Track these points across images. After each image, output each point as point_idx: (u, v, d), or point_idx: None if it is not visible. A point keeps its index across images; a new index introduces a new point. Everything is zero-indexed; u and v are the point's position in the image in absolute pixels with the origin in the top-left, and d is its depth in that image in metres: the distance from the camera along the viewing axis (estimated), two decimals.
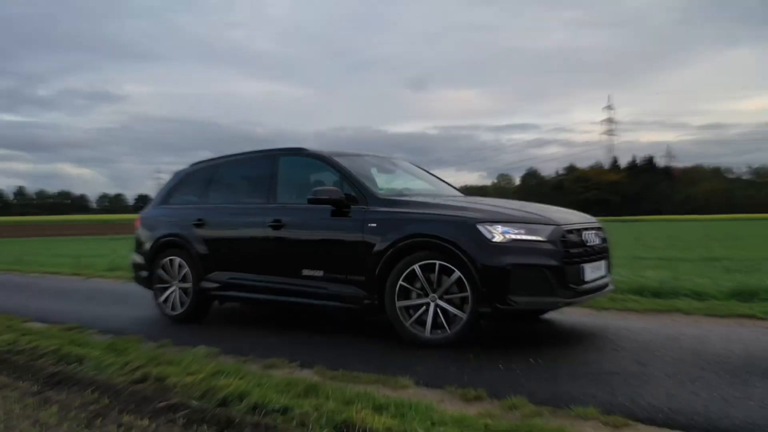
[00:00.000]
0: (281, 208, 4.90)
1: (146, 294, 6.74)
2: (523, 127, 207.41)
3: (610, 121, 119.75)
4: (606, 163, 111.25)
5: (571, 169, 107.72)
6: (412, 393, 3.12)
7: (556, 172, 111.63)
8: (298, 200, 4.90)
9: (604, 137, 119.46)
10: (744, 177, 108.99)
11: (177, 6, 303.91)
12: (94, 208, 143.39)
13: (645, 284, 6.38)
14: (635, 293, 6.14)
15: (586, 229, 4.30)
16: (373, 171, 5.24)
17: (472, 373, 3.43)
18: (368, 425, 2.58)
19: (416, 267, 4.06)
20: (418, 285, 4.09)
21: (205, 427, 2.76)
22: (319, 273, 4.55)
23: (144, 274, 5.71)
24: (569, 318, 5.09)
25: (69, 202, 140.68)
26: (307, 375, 3.50)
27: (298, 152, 5.12)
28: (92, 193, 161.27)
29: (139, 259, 5.83)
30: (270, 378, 3.37)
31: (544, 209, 4.54)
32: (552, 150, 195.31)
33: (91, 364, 3.93)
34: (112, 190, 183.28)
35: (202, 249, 5.24)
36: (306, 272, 4.62)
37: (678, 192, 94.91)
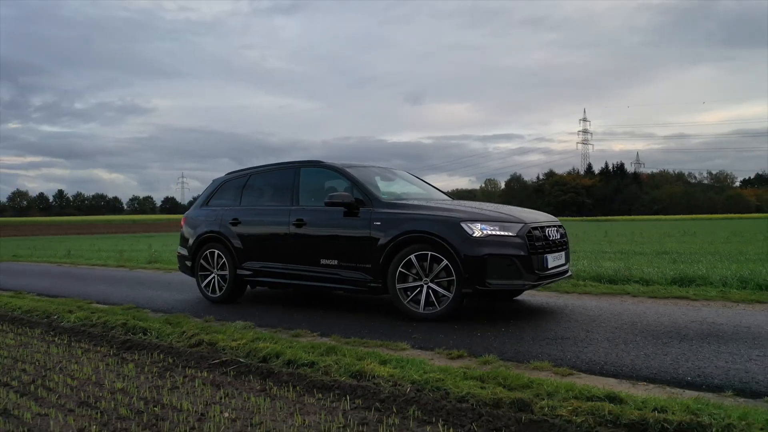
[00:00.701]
0: (303, 209, 5.37)
1: (187, 281, 7.21)
2: (508, 137, 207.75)
3: (585, 131, 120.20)
4: (581, 169, 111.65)
5: (550, 175, 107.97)
6: (409, 353, 3.59)
7: (537, 177, 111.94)
8: (316, 203, 5.37)
9: (580, 146, 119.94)
10: (704, 182, 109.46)
11: (199, 29, 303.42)
12: (125, 209, 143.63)
13: (602, 273, 6.85)
14: (594, 280, 6.62)
15: (549, 226, 4.78)
16: (377, 179, 5.70)
17: (456, 339, 3.89)
18: (376, 373, 3.05)
19: (412, 257, 4.53)
20: (413, 271, 4.56)
21: (251, 377, 3.23)
22: (334, 262, 5.02)
23: (188, 263, 6.18)
24: (536, 299, 5.56)
25: (103, 204, 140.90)
26: (326, 341, 3.96)
27: (316, 164, 5.60)
28: (123, 196, 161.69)
29: (184, 251, 6.29)
30: (298, 342, 3.84)
31: (515, 210, 5.01)
32: (534, 157, 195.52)
33: (153, 333, 4.40)
34: (141, 193, 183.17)
35: (237, 243, 5.72)
36: (323, 261, 5.09)
37: (645, 194, 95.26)
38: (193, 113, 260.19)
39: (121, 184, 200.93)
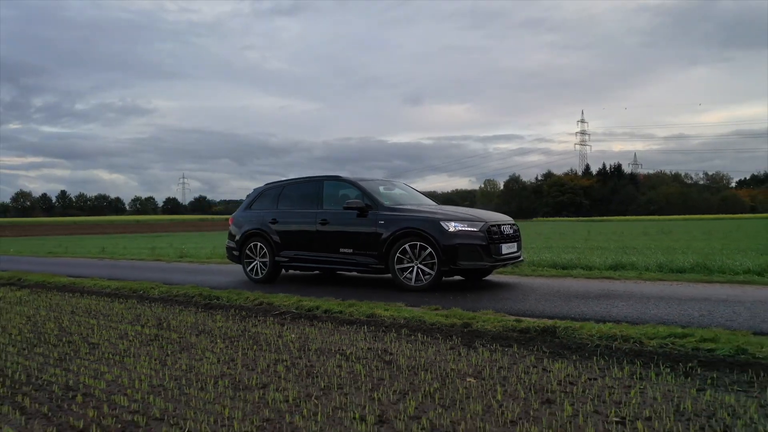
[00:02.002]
0: (326, 212, 7.26)
1: (228, 269, 9.08)
2: (507, 138, 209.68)
3: (583, 133, 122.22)
4: (579, 170, 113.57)
5: (548, 176, 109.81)
6: (403, 307, 5.45)
7: (536, 178, 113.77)
8: (336, 207, 7.25)
9: (578, 147, 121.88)
10: (701, 182, 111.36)
11: (200, 30, 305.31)
12: (127, 209, 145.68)
13: (558, 262, 8.74)
14: (550, 266, 8.50)
15: (504, 224, 6.67)
16: (381, 188, 7.57)
17: (435, 301, 5.75)
18: (381, 315, 4.93)
19: (406, 245, 6.42)
20: (407, 256, 6.44)
21: (302, 319, 5.10)
22: (350, 250, 6.91)
23: (236, 253, 8.06)
24: (500, 279, 7.43)
25: (105, 205, 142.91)
26: (348, 301, 5.84)
27: (335, 178, 7.49)
28: (124, 196, 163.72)
29: (232, 244, 8.17)
30: (328, 302, 5.71)
31: (480, 212, 6.90)
32: (534, 158, 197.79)
33: (224, 299, 6.28)
34: (141, 194, 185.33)
35: (275, 237, 7.60)
36: (342, 250, 6.98)
37: (642, 195, 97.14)
38: (193, 114, 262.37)
39: (121, 185, 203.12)
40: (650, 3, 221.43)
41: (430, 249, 6.26)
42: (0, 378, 3.42)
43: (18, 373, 3.51)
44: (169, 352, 3.95)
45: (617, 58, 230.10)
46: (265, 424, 2.52)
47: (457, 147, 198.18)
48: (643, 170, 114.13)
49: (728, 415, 2.46)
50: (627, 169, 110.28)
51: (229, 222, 8.40)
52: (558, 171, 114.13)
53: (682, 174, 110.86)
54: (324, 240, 7.16)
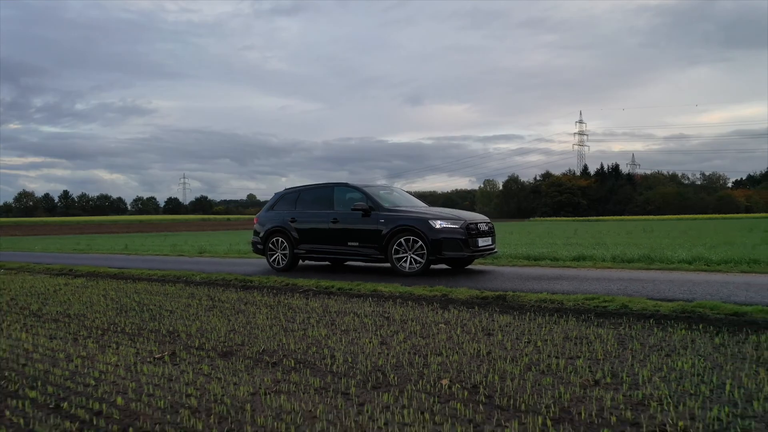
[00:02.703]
0: (337, 212, 8.86)
1: (251, 262, 10.64)
2: (508, 138, 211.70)
3: (581, 133, 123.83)
4: (577, 170, 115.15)
5: (546, 176, 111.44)
6: (399, 286, 7.04)
7: (534, 178, 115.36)
8: (345, 209, 8.84)
9: (576, 147, 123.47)
10: (697, 182, 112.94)
11: (200, 30, 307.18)
12: (129, 209, 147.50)
13: (531, 254, 10.34)
14: (523, 258, 10.10)
15: (480, 222, 8.27)
16: (381, 193, 9.17)
17: (423, 282, 7.34)
18: (382, 290, 6.53)
19: (402, 239, 8.02)
20: (402, 248, 8.04)
21: (321, 295, 6.70)
22: (356, 243, 8.51)
23: (260, 246, 9.68)
24: (479, 267, 9.03)
25: (107, 204, 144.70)
26: (356, 282, 7.44)
27: (344, 185, 9.10)
28: (125, 196, 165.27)
29: (257, 239, 9.78)
30: (340, 282, 7.31)
31: (462, 213, 8.51)
32: (534, 158, 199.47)
33: (256, 282, 7.88)
34: (141, 194, 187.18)
35: (294, 233, 9.21)
36: (349, 243, 8.58)
37: (639, 195, 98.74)
38: (194, 114, 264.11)
39: (121, 185, 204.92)
40: (650, 3, 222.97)
41: (420, 242, 7.86)
42: (124, 326, 5.03)
43: (128, 326, 5.11)
44: (228, 314, 5.55)
45: (617, 58, 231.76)
46: (310, 346, 4.11)
47: (457, 147, 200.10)
48: (641, 170, 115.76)
49: (594, 337, 4.06)
50: (625, 169, 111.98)
51: (254, 221, 10.01)
52: (558, 171, 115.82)
53: (679, 174, 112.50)
54: (335, 235, 8.76)
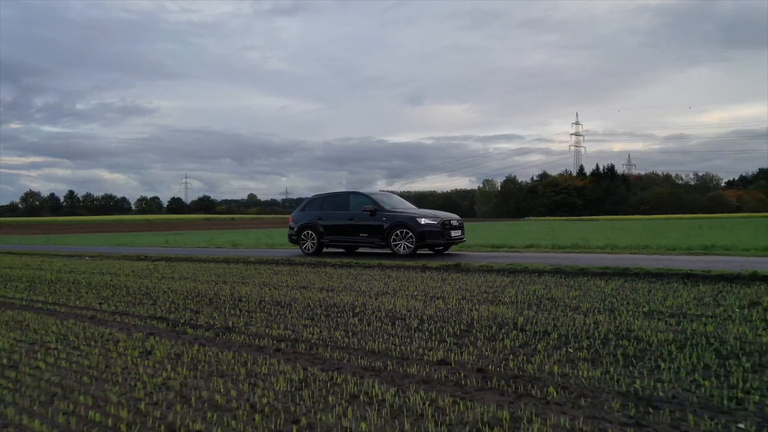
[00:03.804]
0: (351, 213, 12.47)
1: (285, 251, 14.26)
2: (508, 138, 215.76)
3: (577, 134, 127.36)
4: (574, 171, 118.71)
5: (544, 176, 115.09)
6: (395, 262, 10.64)
7: (531, 179, 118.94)
8: (357, 210, 12.44)
9: (573, 148, 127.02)
10: (691, 183, 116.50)
11: (201, 30, 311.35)
12: (133, 209, 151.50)
13: (495, 244, 13.98)
14: (488, 246, 13.73)
15: (453, 219, 11.90)
16: (384, 199, 12.78)
17: (413, 259, 10.94)
18: (385, 264, 10.16)
19: (398, 231, 11.64)
20: (398, 237, 11.66)
21: (344, 268, 10.30)
22: (366, 235, 12.13)
23: (294, 238, 13.30)
24: (453, 252, 12.64)
25: (112, 204, 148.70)
26: (367, 260, 11.04)
27: (357, 193, 12.72)
28: (128, 196, 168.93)
29: (292, 232, 13.40)
30: (356, 260, 10.92)
31: (440, 213, 12.13)
32: (534, 158, 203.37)
33: (298, 261, 11.50)
34: (142, 194, 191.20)
35: (321, 228, 12.82)
36: (360, 235, 12.20)
37: (633, 195, 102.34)
38: (194, 114, 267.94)
39: (122, 185, 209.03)
40: (650, 3, 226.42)
41: (411, 233, 11.47)
42: (230, 281, 8.66)
43: (238, 281, 8.71)
44: (290, 276, 9.16)
45: (617, 59, 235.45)
46: (345, 286, 7.71)
47: (457, 147, 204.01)
48: (637, 171, 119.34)
49: (500, 281, 7.67)
50: (621, 169, 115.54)
51: (290, 219, 13.64)
52: (559, 170, 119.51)
53: (674, 175, 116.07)
54: (350, 229, 12.38)
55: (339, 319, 5.20)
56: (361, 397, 3.02)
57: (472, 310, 5.49)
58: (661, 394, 2.96)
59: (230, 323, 5.19)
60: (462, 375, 3.36)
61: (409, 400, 2.95)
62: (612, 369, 3.40)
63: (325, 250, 13.47)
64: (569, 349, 3.87)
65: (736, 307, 5.22)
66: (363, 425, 2.63)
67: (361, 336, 4.46)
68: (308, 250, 13.03)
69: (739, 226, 27.97)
